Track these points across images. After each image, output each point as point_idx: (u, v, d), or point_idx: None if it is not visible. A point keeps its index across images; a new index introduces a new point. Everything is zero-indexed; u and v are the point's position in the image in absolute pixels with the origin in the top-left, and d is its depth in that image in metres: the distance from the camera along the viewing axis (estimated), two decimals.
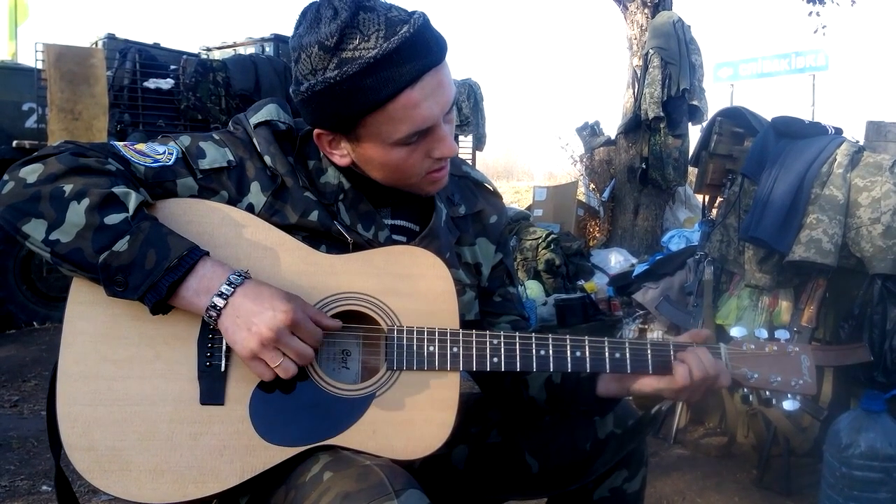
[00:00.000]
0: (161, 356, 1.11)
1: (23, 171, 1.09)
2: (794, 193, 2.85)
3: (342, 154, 1.22)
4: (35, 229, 1.05)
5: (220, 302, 1.07)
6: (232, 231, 1.17)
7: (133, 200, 1.08)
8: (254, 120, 1.26)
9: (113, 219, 1.05)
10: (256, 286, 1.09)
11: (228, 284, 1.07)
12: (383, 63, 1.08)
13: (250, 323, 1.06)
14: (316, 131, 1.20)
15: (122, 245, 1.04)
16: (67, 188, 1.06)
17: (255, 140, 1.24)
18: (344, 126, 1.16)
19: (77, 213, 1.05)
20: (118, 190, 1.07)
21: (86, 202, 1.05)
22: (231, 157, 1.22)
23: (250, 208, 1.21)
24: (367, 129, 1.15)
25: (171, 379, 1.11)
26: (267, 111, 1.27)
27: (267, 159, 1.23)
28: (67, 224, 1.05)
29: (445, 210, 1.35)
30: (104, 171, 1.10)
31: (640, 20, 7.45)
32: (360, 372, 1.23)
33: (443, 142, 1.18)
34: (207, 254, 1.10)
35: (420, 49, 1.10)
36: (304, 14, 1.16)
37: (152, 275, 1.04)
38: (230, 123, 1.30)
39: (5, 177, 1.10)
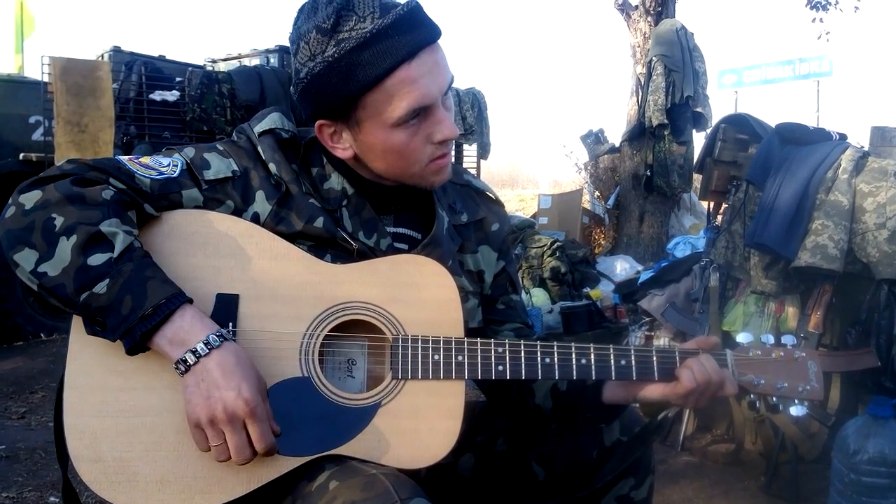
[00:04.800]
0: (167, 367, 1.11)
1: (22, 196, 1.09)
2: (799, 199, 2.85)
3: (344, 147, 1.23)
4: (26, 259, 1.05)
5: (191, 359, 1.04)
6: (237, 241, 1.17)
7: (120, 241, 1.05)
8: (258, 128, 1.27)
9: (96, 259, 1.04)
10: (234, 357, 1.06)
11: (205, 344, 1.04)
12: (379, 37, 1.10)
13: (210, 393, 1.03)
14: (318, 124, 1.21)
15: (101, 288, 1.03)
16: (59, 221, 1.05)
17: (259, 148, 1.25)
18: (344, 110, 1.17)
19: (65, 250, 1.04)
20: (107, 228, 1.06)
21: (73, 239, 1.04)
22: (235, 168, 1.23)
23: (256, 217, 1.21)
24: (366, 111, 1.16)
25: (178, 389, 1.10)
26: (270, 120, 1.28)
27: (271, 167, 1.23)
28: (56, 259, 1.04)
29: (447, 218, 1.35)
30: (98, 203, 1.08)
31: (643, 28, 7.47)
32: (366, 381, 1.24)
33: (442, 123, 1.19)
34: (190, 301, 1.08)
35: (415, 25, 1.13)
36: (301, 9, 1.19)
37: (127, 320, 1.03)
38: (234, 133, 1.31)
39: (10, 200, 1.10)
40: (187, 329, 1.05)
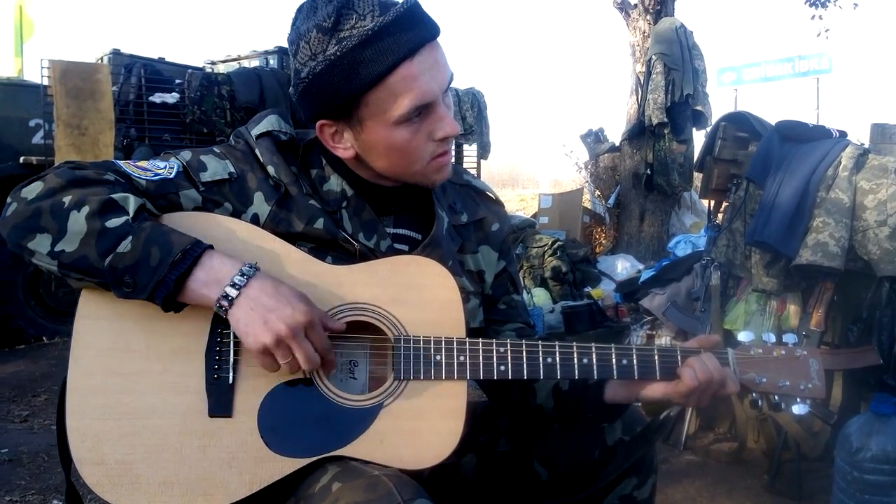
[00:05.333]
0: (169, 369, 1.12)
1: (23, 191, 1.11)
2: (799, 197, 2.85)
3: (346, 147, 1.23)
4: (40, 244, 1.06)
5: (232, 292, 1.07)
6: (237, 244, 1.17)
7: (132, 203, 1.09)
8: (255, 131, 1.27)
9: (114, 222, 1.06)
10: (273, 281, 1.10)
11: (241, 275, 1.08)
12: (381, 34, 1.11)
13: (267, 317, 1.06)
14: (319, 124, 1.21)
15: (125, 246, 1.05)
16: (66, 199, 1.08)
17: (257, 151, 1.25)
18: (346, 108, 1.17)
19: (78, 222, 1.06)
20: (116, 195, 1.09)
21: (85, 209, 1.06)
22: (232, 170, 1.23)
23: (255, 219, 1.22)
24: (369, 109, 1.16)
25: (180, 391, 1.11)
26: (268, 122, 1.28)
27: (270, 169, 1.24)
28: (70, 233, 1.06)
29: (447, 218, 1.35)
30: (102, 181, 1.12)
31: (642, 27, 7.47)
32: (368, 382, 1.24)
33: (444, 120, 1.20)
34: (212, 247, 1.10)
35: (415, 23, 1.14)
36: (299, 9, 1.20)
37: (158, 271, 1.05)
38: (231, 137, 1.31)
39: (8, 199, 1.11)
40: (218, 268, 1.08)
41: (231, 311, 1.08)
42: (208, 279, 1.07)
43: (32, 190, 1.10)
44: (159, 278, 1.05)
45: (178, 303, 1.09)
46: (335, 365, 1.15)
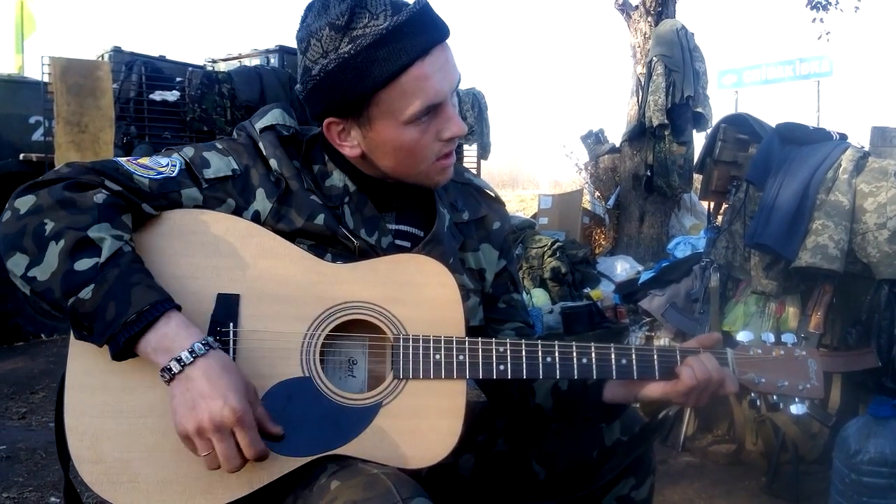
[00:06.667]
0: None
1: (18, 201, 1.09)
2: (799, 199, 2.85)
3: (352, 145, 1.23)
4: (17, 264, 1.05)
5: (175, 367, 1.02)
6: (237, 241, 1.17)
7: (108, 246, 1.05)
8: (259, 125, 1.27)
9: (83, 265, 1.03)
10: (220, 365, 1.04)
11: (190, 352, 1.02)
12: (395, 34, 1.11)
13: (195, 403, 1.01)
14: (326, 121, 1.21)
15: (86, 293, 1.02)
16: (49, 226, 1.05)
17: (260, 144, 1.25)
18: (356, 107, 1.17)
19: (53, 255, 1.04)
20: (94, 234, 1.05)
21: (61, 244, 1.04)
22: (235, 166, 1.23)
23: (256, 215, 1.21)
24: (380, 108, 1.16)
25: None
26: (272, 116, 1.28)
27: (272, 163, 1.23)
28: (45, 263, 1.04)
29: (448, 216, 1.35)
30: (89, 206, 1.08)
31: (643, 28, 7.47)
32: (367, 381, 1.24)
33: (452, 120, 1.20)
34: (178, 308, 1.06)
35: (427, 24, 1.14)
36: (310, 7, 1.19)
37: (111, 327, 1.02)
38: (234, 131, 1.31)
39: (7, 203, 1.10)
40: (172, 336, 1.03)
41: (171, 384, 1.03)
42: (158, 346, 1.03)
43: (25, 203, 1.08)
44: (111, 334, 1.02)
45: (132, 353, 1.05)
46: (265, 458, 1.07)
